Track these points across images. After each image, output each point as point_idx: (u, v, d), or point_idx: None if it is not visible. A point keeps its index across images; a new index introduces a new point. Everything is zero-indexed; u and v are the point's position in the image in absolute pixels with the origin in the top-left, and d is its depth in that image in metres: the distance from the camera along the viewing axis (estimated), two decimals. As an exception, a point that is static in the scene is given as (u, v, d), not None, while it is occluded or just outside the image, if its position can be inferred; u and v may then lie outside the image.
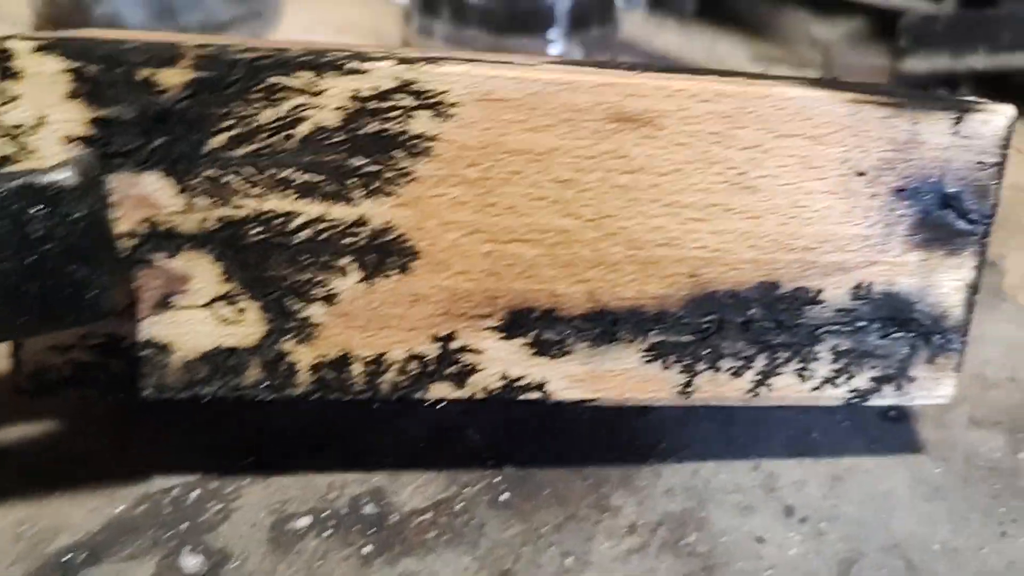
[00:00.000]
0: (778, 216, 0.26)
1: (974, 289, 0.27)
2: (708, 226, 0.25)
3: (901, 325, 0.27)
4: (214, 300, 0.24)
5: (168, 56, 0.23)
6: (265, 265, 0.24)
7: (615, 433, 0.30)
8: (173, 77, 0.23)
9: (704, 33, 0.58)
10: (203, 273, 0.24)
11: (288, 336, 0.24)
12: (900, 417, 0.31)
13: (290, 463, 0.28)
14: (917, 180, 0.26)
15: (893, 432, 0.31)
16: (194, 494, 0.27)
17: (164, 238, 0.24)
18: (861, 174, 0.26)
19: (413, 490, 0.27)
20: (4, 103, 0.23)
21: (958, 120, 0.26)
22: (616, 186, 0.25)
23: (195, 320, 0.24)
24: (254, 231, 0.24)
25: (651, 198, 0.25)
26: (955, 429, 0.31)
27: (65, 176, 0.22)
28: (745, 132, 0.25)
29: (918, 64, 0.51)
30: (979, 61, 0.51)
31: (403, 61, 0.24)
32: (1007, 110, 0.26)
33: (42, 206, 0.21)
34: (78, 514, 0.26)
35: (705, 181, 0.25)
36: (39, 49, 0.22)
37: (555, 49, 0.49)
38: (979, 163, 0.26)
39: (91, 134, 0.23)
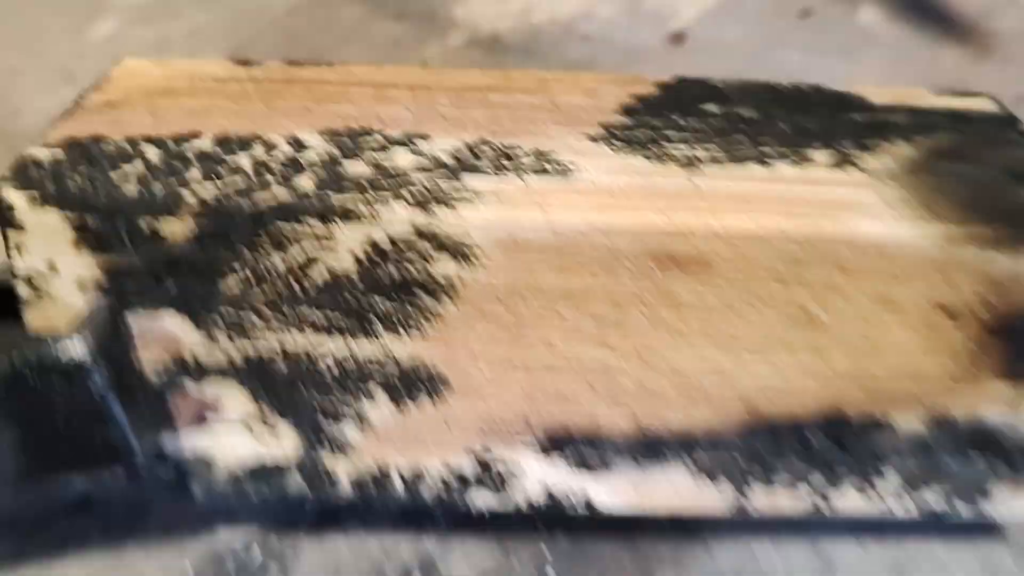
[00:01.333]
0: (847, 349, 0.23)
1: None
2: (765, 359, 0.23)
3: (980, 448, 0.24)
4: (247, 419, 0.24)
5: (168, 207, 0.21)
6: (293, 392, 0.24)
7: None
8: (176, 227, 0.21)
9: None
10: (233, 398, 0.24)
11: (324, 451, 0.24)
12: (984, 477, 0.29)
13: (345, 522, 0.28)
14: (1014, 316, 0.22)
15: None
16: (256, 554, 0.28)
17: (191, 369, 0.23)
18: (947, 310, 0.22)
19: (462, 557, 0.28)
20: (16, 251, 0.22)
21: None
22: (660, 321, 0.22)
23: (232, 434, 0.24)
24: (278, 364, 0.23)
25: (700, 332, 0.23)
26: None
27: (76, 351, 0.21)
28: (811, 271, 0.22)
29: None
30: None
31: (419, 203, 0.21)
32: None
33: (58, 380, 0.21)
34: (151, 570, 0.28)
35: (762, 318, 0.22)
36: (35, 201, 0.21)
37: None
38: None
39: (103, 279, 0.22)
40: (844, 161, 0.24)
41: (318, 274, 0.22)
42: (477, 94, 0.26)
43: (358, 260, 0.22)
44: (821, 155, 0.24)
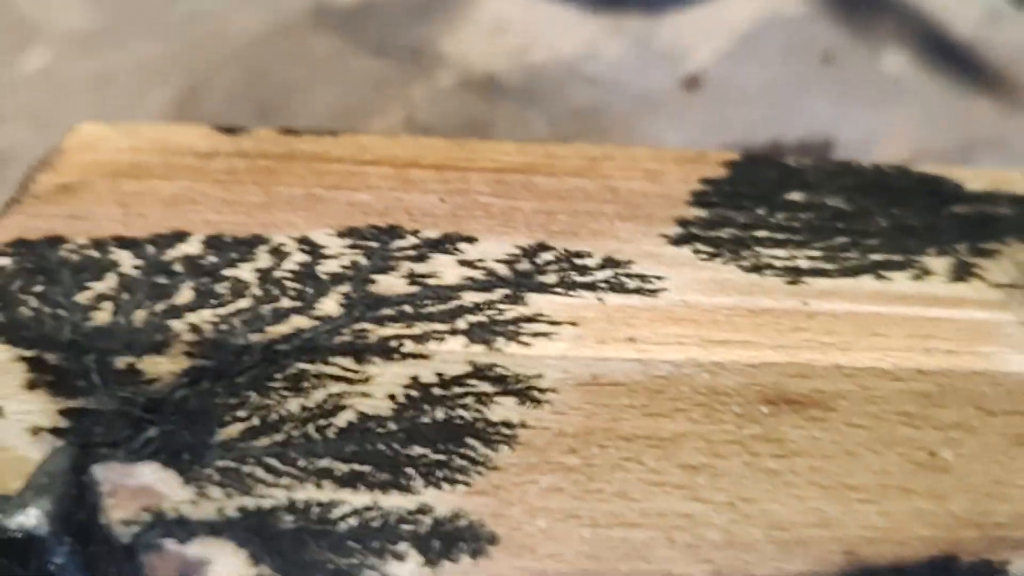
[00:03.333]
0: (970, 495, 0.19)
1: None
2: (877, 507, 0.19)
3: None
4: (242, 582, 0.19)
5: (153, 343, 0.16)
6: (302, 551, 0.19)
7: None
8: (163, 366, 0.17)
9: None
10: (225, 558, 0.19)
11: (336, 617, 0.20)
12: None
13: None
14: None
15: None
16: None
17: (172, 525, 0.19)
18: (1094, 450, 0.19)
19: None
20: (-54, 388, 0.17)
21: None
22: (763, 470, 0.18)
23: (222, 600, 0.20)
24: (286, 519, 0.19)
25: (808, 481, 0.19)
26: None
27: (32, 523, 0.16)
28: (946, 411, 0.18)
29: None
30: None
31: (479, 340, 0.17)
32: None
33: (12, 558, 0.16)
34: None
35: (882, 464, 0.19)
36: None
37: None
38: None
39: (64, 426, 0.17)
40: (965, 272, 0.20)
41: (344, 420, 0.17)
42: (519, 177, 0.22)
43: (397, 405, 0.17)
44: (937, 264, 0.20)
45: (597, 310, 0.18)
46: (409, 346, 0.17)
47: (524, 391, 0.17)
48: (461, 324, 0.17)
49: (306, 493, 0.18)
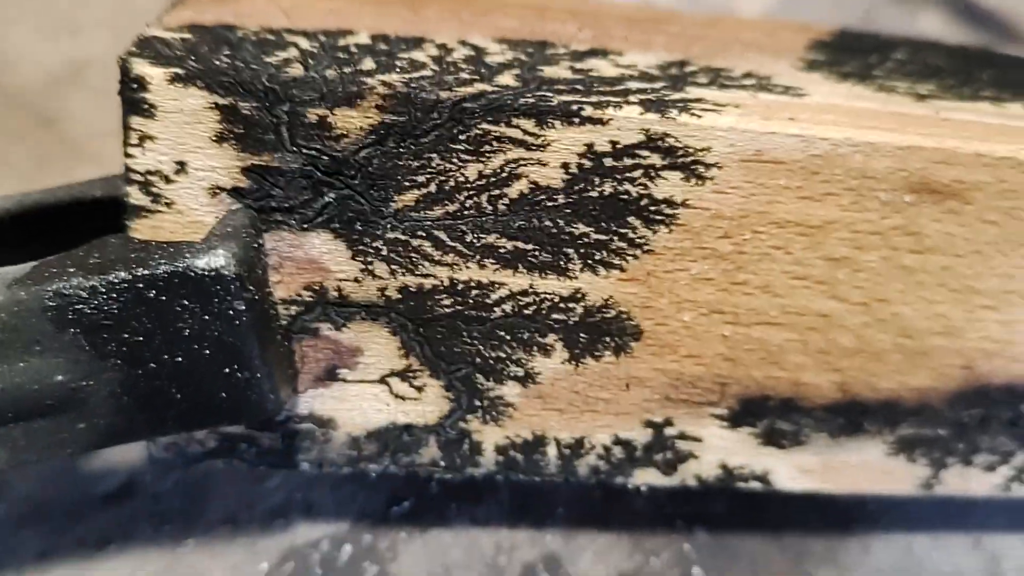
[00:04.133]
0: (1090, 306, 0.20)
1: None
2: (998, 315, 0.20)
3: None
4: (389, 375, 0.20)
5: (348, 93, 0.17)
6: (453, 341, 0.19)
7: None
8: (354, 120, 0.17)
9: None
10: (377, 347, 0.19)
11: (473, 415, 0.20)
12: None
13: (448, 514, 0.24)
14: None
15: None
16: (346, 550, 0.23)
17: (333, 307, 0.19)
18: None
19: (593, 557, 0.24)
20: (134, 144, 0.17)
21: None
22: (899, 267, 0.19)
23: (365, 395, 0.20)
24: (444, 303, 0.19)
25: (938, 282, 0.20)
26: None
27: (221, 263, 0.17)
28: (1080, 206, 0.19)
29: None
30: None
31: (653, 106, 0.18)
32: None
33: (192, 300, 0.17)
34: (219, 571, 0.23)
35: (1008, 265, 0.20)
36: (178, 79, 0.17)
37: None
38: None
39: (244, 186, 0.18)
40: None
41: (516, 191, 0.18)
42: (649, 24, 0.23)
43: (569, 175, 0.18)
44: None
45: (755, 100, 0.19)
46: (588, 110, 0.18)
47: (691, 165, 0.18)
48: (633, 99, 0.18)
49: (468, 273, 0.19)
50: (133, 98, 0.17)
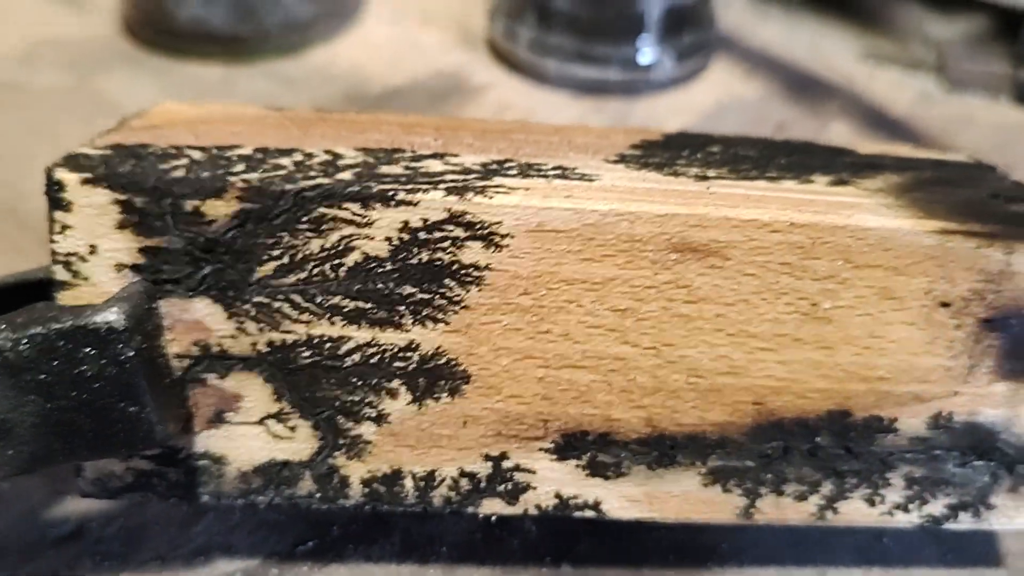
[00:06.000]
0: (853, 347, 0.24)
1: (1069, 421, 0.25)
2: (776, 356, 0.24)
3: (982, 454, 0.25)
4: (266, 418, 0.24)
5: (214, 188, 0.22)
6: (315, 387, 0.24)
7: (674, 530, 0.29)
8: (220, 208, 0.22)
9: (809, 25, 0.54)
10: (254, 393, 0.24)
11: (339, 452, 0.24)
12: (983, 519, 0.29)
13: (346, 553, 0.28)
14: (1009, 311, 0.24)
15: (972, 540, 0.29)
16: (255, 584, 0.27)
17: (216, 360, 0.24)
18: (946, 305, 0.24)
19: (466, 589, 0.27)
20: (57, 233, 0.23)
21: (1064, 249, 0.23)
22: (678, 315, 0.23)
23: (248, 435, 0.24)
24: (304, 355, 0.24)
25: (715, 328, 0.24)
26: (1042, 536, 0.29)
27: (113, 318, 0.22)
28: (819, 263, 0.23)
29: (1044, 73, 0.47)
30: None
31: (453, 191, 0.23)
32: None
33: (91, 348, 0.22)
34: (145, 600, 0.27)
35: (774, 312, 0.24)
36: (87, 182, 0.22)
37: (645, 58, 0.47)
38: (1082, 292, 0.24)
39: (141, 262, 0.23)
40: (842, 183, 0.26)
41: (352, 260, 0.23)
42: (499, 134, 0.28)
43: (392, 246, 0.23)
44: (821, 178, 0.26)
45: (547, 184, 0.24)
46: (402, 195, 0.22)
47: (488, 235, 0.23)
48: (442, 186, 0.23)
49: (321, 329, 0.23)
50: (55, 197, 0.22)
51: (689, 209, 0.23)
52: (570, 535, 0.29)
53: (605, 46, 0.46)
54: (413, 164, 0.24)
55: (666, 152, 0.27)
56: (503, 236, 0.23)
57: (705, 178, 0.25)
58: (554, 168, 0.25)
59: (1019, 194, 0.26)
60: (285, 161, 0.24)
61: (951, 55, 0.49)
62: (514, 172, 0.24)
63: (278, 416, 0.24)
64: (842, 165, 0.28)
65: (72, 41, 0.51)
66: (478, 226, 0.23)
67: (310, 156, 0.24)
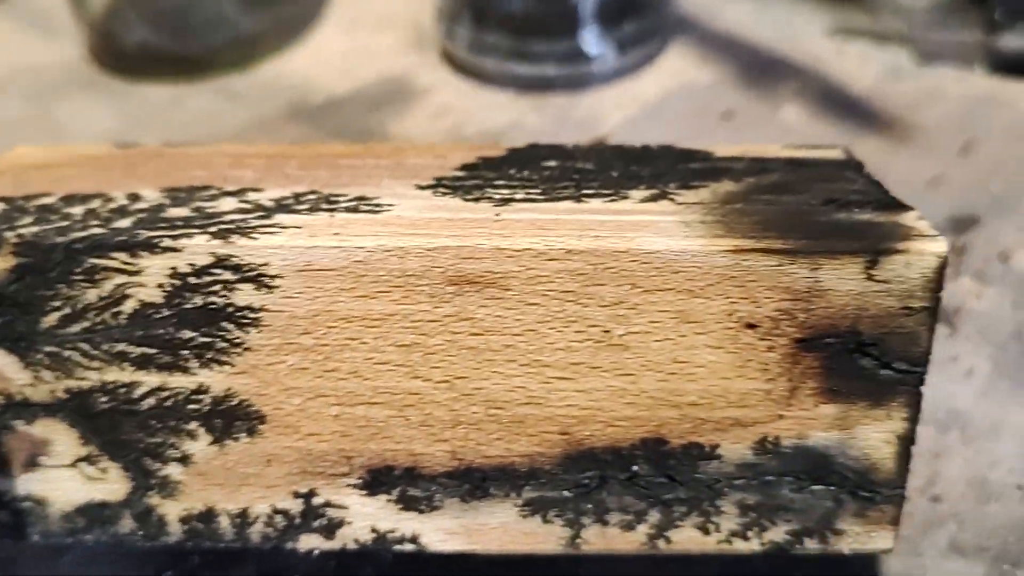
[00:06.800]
0: (656, 373, 0.23)
1: (908, 440, 0.23)
2: (575, 384, 0.23)
3: (818, 480, 0.23)
4: (77, 461, 0.24)
5: (-11, 244, 0.23)
6: (117, 430, 0.24)
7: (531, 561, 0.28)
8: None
9: (779, 2, 0.52)
10: (62, 438, 0.24)
11: (152, 492, 0.24)
12: (867, 539, 0.28)
13: (206, 574, 0.28)
14: (824, 330, 0.22)
15: (853, 558, 0.27)
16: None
17: (20, 407, 0.24)
18: (752, 326, 0.22)
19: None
20: None
21: (872, 264, 0.21)
22: (466, 347, 0.23)
23: (63, 478, 0.25)
24: (101, 400, 0.24)
25: (506, 358, 0.23)
26: (929, 557, 0.27)
27: None
28: (605, 289, 0.22)
29: (1016, 41, 0.43)
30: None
31: (218, 235, 0.22)
32: (937, 246, 0.21)
33: None
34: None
35: (564, 340, 0.22)
36: None
37: (584, 52, 0.45)
38: (904, 309, 0.22)
39: (-66, 318, 0.23)
40: (660, 196, 0.24)
41: (130, 307, 0.23)
42: (328, 160, 0.28)
43: (166, 293, 0.22)
44: (639, 193, 0.25)
45: (324, 220, 0.23)
46: (167, 241, 0.22)
47: (257, 277, 0.22)
48: (212, 229, 0.23)
49: (113, 375, 0.23)
50: None
51: (461, 241, 0.22)
52: (426, 561, 0.28)
53: (541, 42, 0.45)
54: (204, 204, 0.24)
55: (493, 172, 0.26)
56: (272, 277, 0.22)
57: (506, 202, 0.24)
58: (351, 200, 0.24)
59: (862, 198, 0.24)
60: (77, 210, 0.24)
61: (921, 25, 0.46)
62: (303, 208, 0.24)
63: (88, 459, 0.24)
64: (680, 174, 0.26)
65: (40, 68, 0.53)
66: (246, 268, 0.22)
67: (108, 201, 0.25)
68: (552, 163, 0.27)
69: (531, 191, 0.25)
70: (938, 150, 0.42)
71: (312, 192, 0.25)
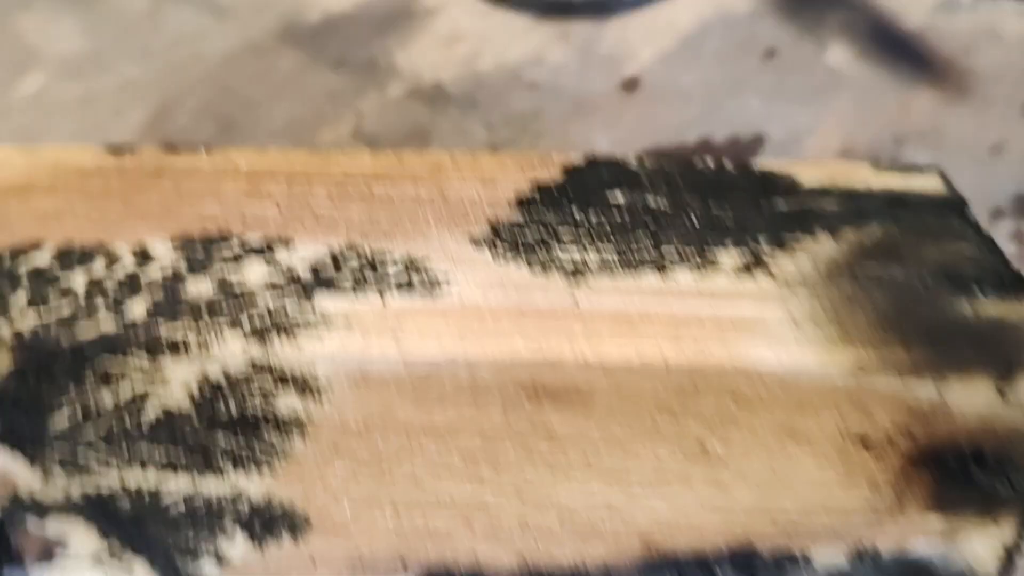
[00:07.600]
0: (753, 487, 0.20)
1: (1015, 550, 0.21)
2: (659, 493, 0.20)
3: (913, 582, 0.22)
4: (98, 553, 0.22)
5: (-20, 345, 0.19)
6: (141, 530, 0.21)
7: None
8: (-7, 363, 0.19)
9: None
10: (79, 534, 0.22)
11: (184, 586, 0.22)
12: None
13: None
14: (943, 447, 0.20)
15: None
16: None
17: (29, 506, 0.21)
18: (862, 442, 0.20)
19: None
20: None
21: (1004, 379, 0.19)
22: (540, 458, 0.20)
23: (82, 568, 0.22)
24: (121, 501, 0.21)
25: (583, 465, 0.20)
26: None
27: None
28: (704, 403, 0.19)
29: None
30: None
31: (254, 333, 0.19)
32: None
33: None
34: None
35: (653, 453, 0.20)
36: None
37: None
38: (1036, 425, 0.19)
39: (-78, 417, 0.20)
40: (755, 263, 0.21)
41: (151, 410, 0.20)
42: (360, 185, 0.24)
43: (192, 396, 0.19)
44: (729, 257, 0.21)
45: (374, 308, 0.20)
46: (193, 342, 0.19)
47: (303, 385, 0.19)
48: (244, 321, 0.19)
49: (134, 477, 0.21)
50: None
51: (538, 348, 0.19)
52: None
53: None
54: (228, 274, 0.21)
55: (554, 213, 0.23)
56: (320, 385, 0.19)
57: (580, 270, 0.21)
58: (399, 265, 0.21)
59: (980, 271, 0.21)
60: (79, 281, 0.20)
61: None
62: (347, 283, 0.20)
63: (110, 553, 0.22)
64: (768, 220, 0.23)
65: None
66: (289, 376, 0.19)
67: (113, 261, 0.21)
68: (619, 197, 0.23)
69: (604, 250, 0.21)
70: (998, 106, 0.38)
71: (350, 247, 0.21)
